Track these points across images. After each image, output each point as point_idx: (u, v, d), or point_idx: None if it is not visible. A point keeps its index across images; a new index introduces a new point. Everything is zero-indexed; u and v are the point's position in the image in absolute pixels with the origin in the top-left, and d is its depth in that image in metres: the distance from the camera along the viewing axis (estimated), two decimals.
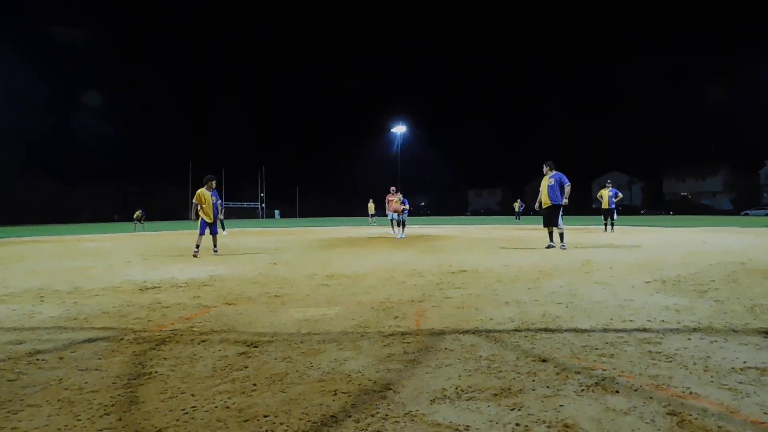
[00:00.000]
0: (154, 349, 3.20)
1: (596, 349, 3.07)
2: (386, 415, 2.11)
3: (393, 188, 16.95)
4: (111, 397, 2.37)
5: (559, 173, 10.69)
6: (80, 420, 2.10)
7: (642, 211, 62.89)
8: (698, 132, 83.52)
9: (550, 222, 10.71)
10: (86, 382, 2.58)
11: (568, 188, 10.60)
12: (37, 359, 3.03)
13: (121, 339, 3.49)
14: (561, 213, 10.62)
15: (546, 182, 10.73)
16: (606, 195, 18.18)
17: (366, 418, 2.09)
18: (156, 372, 2.75)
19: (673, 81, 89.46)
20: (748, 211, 59.34)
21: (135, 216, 30.05)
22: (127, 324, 3.98)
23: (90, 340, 3.47)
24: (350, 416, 2.11)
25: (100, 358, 3.02)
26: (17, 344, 3.40)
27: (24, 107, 54.15)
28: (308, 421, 2.07)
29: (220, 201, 11.00)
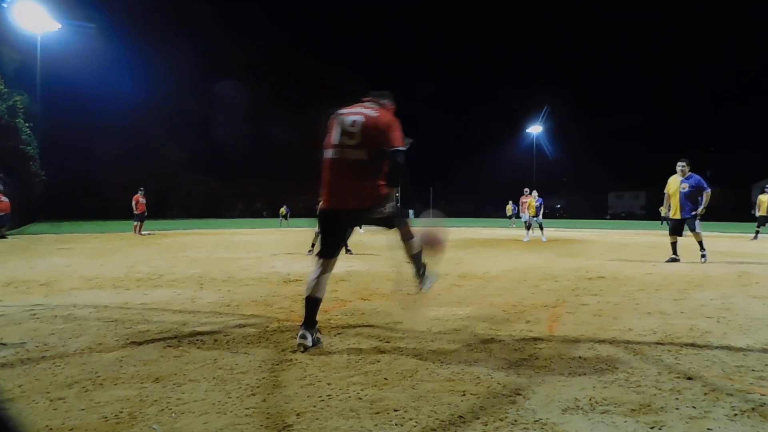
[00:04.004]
0: (295, 338, 3.43)
1: (753, 370, 2.73)
2: (515, 421, 2.06)
3: (527, 189, 16.45)
4: (257, 379, 2.59)
5: (697, 176, 8.75)
6: (231, 397, 2.32)
7: None
8: None
9: (677, 230, 8.83)
10: (237, 364, 2.84)
11: (707, 196, 8.59)
12: (197, 339, 3.40)
13: (267, 326, 3.79)
14: (698, 219, 8.65)
15: (677, 187, 8.77)
16: (766, 201, 16.35)
17: (494, 421, 2.06)
18: (296, 359, 2.94)
19: None
20: None
21: (281, 212, 32.39)
22: (272, 313, 4.31)
23: (240, 326, 3.82)
24: (478, 418, 2.09)
25: (248, 343, 3.31)
26: (182, 325, 3.83)
27: (185, 106, 60.26)
28: (437, 419, 2.09)
29: None
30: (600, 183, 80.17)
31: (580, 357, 2.99)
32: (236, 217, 52.72)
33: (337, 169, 3.32)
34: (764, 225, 16.51)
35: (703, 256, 8.51)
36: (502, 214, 33.76)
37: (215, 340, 3.38)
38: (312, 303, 3.28)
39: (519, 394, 2.36)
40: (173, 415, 2.11)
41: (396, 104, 3.62)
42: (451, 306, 4.63)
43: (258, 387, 2.47)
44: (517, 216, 24.91)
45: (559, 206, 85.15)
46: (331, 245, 3.46)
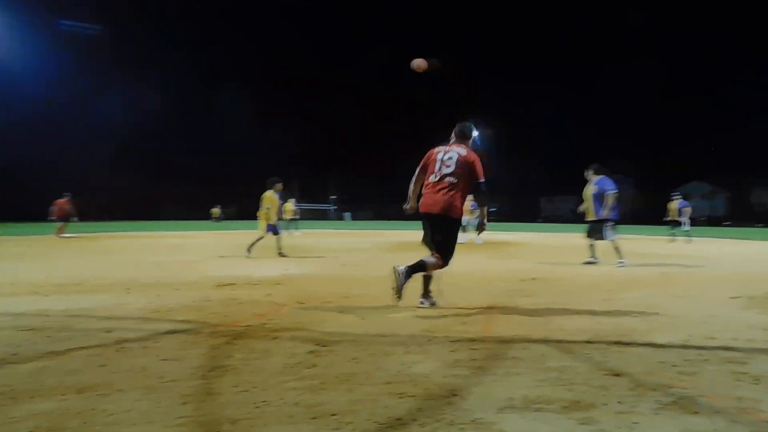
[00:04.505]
0: (229, 343, 3.34)
1: (675, 366, 2.90)
2: (452, 422, 2.09)
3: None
4: (189, 386, 2.50)
5: (607, 179, 8.83)
6: (161, 407, 2.22)
7: (726, 223, 58.71)
8: None
9: (592, 233, 8.97)
10: (167, 372, 2.72)
11: (608, 198, 8.61)
12: (124, 347, 3.23)
13: (199, 332, 3.67)
14: (609, 225, 8.73)
15: (590, 190, 8.95)
16: (674, 207, 17.97)
17: (432, 422, 2.08)
18: (230, 365, 2.86)
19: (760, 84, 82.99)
20: None
21: (213, 214, 31.51)
22: (204, 318, 4.18)
23: (171, 332, 3.67)
24: (416, 420, 2.11)
25: (179, 349, 3.19)
26: (107, 332, 3.64)
27: (110, 102, 57.34)
28: (374, 422, 2.09)
29: (282, 203, 11.08)
30: (531, 187, 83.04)
31: (514, 357, 3.07)
32: (167, 219, 50.76)
33: (436, 188, 4.64)
34: (675, 228, 17.86)
35: (620, 262, 8.54)
36: None
37: (144, 348, 3.23)
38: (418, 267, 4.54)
39: (456, 395, 2.40)
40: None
41: (476, 131, 4.59)
42: (388, 309, 4.65)
43: (190, 395, 2.38)
44: None
45: (493, 209, 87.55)
46: (431, 237, 4.73)
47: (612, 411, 2.22)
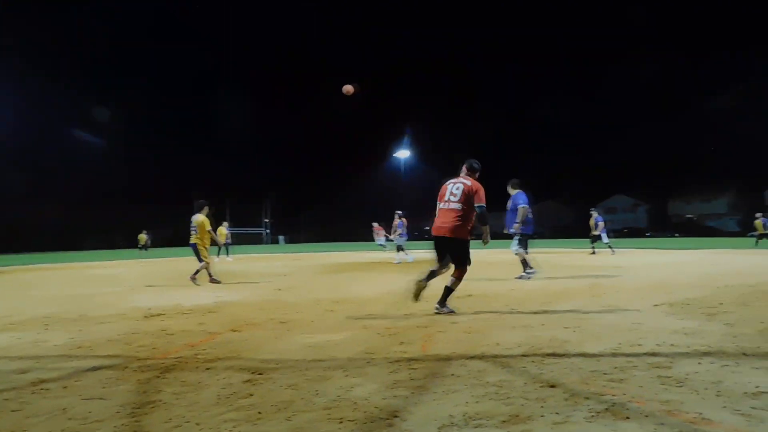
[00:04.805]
0: (159, 376, 3.18)
1: (606, 374, 3.02)
2: None
3: (398, 212, 17.00)
4: (115, 426, 2.34)
5: (520, 194, 9.02)
6: None
7: (647, 234, 62.52)
8: (704, 154, 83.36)
9: (516, 246, 9.16)
10: (90, 412, 2.55)
11: (519, 212, 8.82)
12: (42, 388, 3.01)
13: (126, 367, 3.47)
14: (518, 238, 9.01)
15: (508, 205, 9.27)
16: (592, 223, 19.10)
17: None
18: (161, 400, 2.72)
19: (677, 102, 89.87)
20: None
21: (140, 241, 30.14)
22: (132, 351, 3.96)
23: (94, 369, 3.45)
24: None
25: (104, 387, 3.00)
26: (21, 373, 3.38)
27: (28, 130, 54.11)
28: None
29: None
30: None
31: (453, 374, 3.09)
32: (91, 249, 47.88)
33: (445, 213, 5.53)
34: (596, 242, 18.98)
35: (523, 275, 8.83)
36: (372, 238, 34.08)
37: (64, 387, 3.02)
38: (431, 275, 5.63)
39: (396, 416, 2.38)
40: None
41: (480, 168, 5.83)
42: (325, 332, 4.58)
43: None
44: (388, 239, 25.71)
45: (428, 228, 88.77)
46: (439, 256, 5.66)
47: (549, 422, 2.27)
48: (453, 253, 5.51)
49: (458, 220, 5.42)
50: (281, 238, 72.99)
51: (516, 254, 9.12)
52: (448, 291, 5.53)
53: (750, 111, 67.71)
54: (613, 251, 18.27)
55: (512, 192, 9.22)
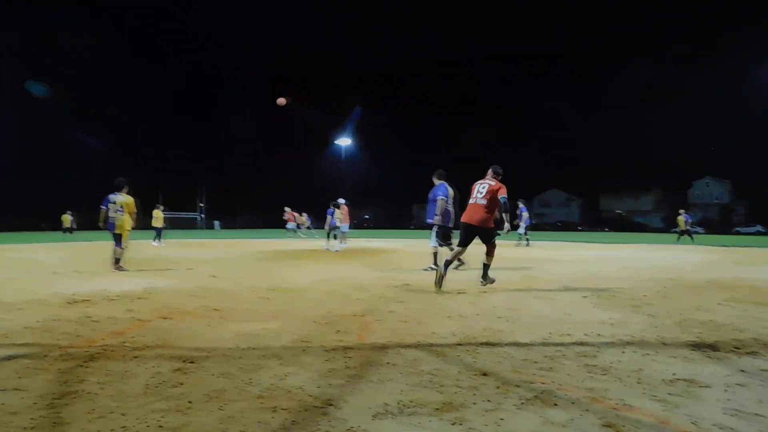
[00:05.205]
0: (83, 366, 3.03)
1: (536, 362, 3.14)
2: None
3: (341, 200, 16.96)
4: (32, 419, 2.21)
5: (440, 185, 8.93)
6: None
7: (579, 228, 65.45)
8: (634, 151, 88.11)
9: (443, 239, 8.94)
10: (3, 404, 2.40)
11: (439, 203, 8.72)
12: None
13: (46, 356, 3.28)
14: (435, 230, 8.96)
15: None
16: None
17: None
18: (84, 390, 2.59)
19: (611, 101, 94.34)
20: (739, 228, 60.42)
21: (63, 222, 28.49)
22: (52, 340, 3.74)
23: (9, 358, 3.24)
24: None
25: (20, 377, 2.82)
26: None
27: None
28: None
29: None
30: (403, 195, 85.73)
31: (388, 363, 3.12)
32: (7, 230, 44.69)
33: (474, 207, 6.77)
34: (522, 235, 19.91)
35: (429, 267, 9.05)
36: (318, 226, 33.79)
37: None
38: (446, 263, 6.68)
39: (331, 405, 2.37)
40: None
41: (503, 172, 7.02)
42: (260, 320, 4.51)
43: (33, 428, 2.11)
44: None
45: (366, 217, 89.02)
46: (465, 240, 6.84)
47: (481, 410, 2.33)
48: (482, 237, 6.76)
49: (485, 213, 6.66)
50: (217, 223, 70.97)
51: (432, 246, 9.14)
52: (486, 267, 6.80)
53: (682, 114, 71.74)
54: (528, 244, 19.20)
55: (436, 182, 9.15)
